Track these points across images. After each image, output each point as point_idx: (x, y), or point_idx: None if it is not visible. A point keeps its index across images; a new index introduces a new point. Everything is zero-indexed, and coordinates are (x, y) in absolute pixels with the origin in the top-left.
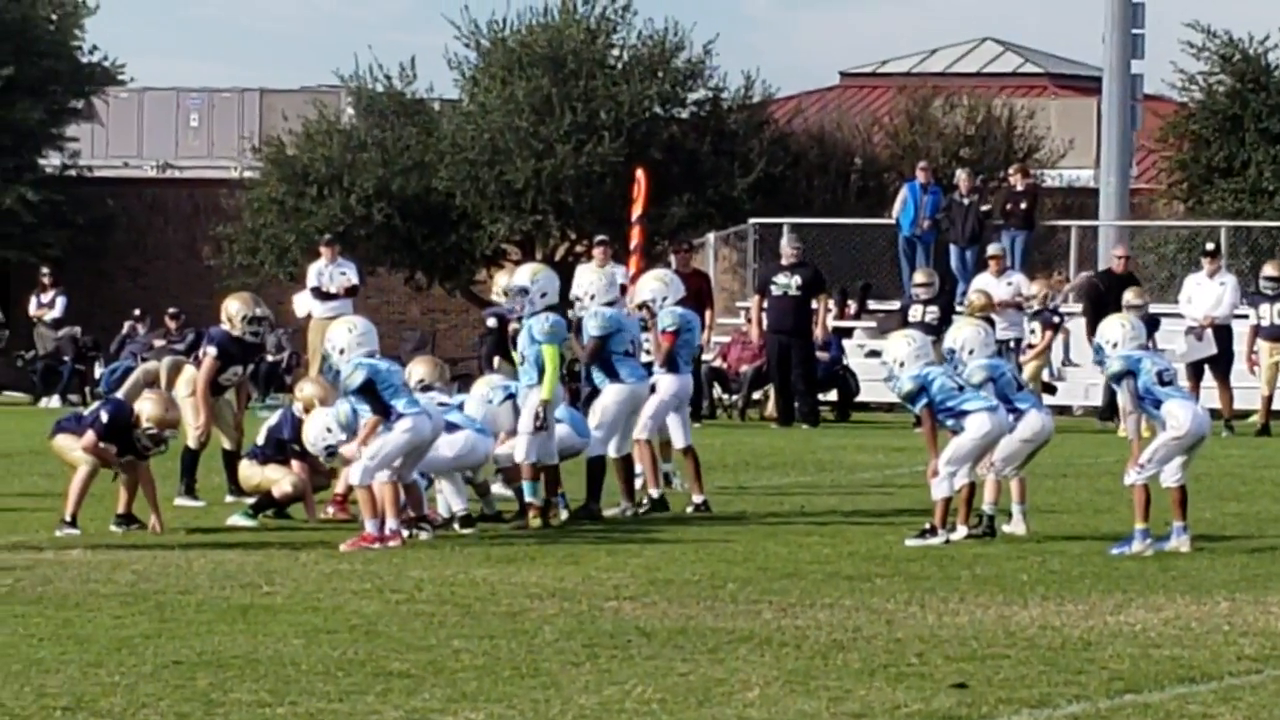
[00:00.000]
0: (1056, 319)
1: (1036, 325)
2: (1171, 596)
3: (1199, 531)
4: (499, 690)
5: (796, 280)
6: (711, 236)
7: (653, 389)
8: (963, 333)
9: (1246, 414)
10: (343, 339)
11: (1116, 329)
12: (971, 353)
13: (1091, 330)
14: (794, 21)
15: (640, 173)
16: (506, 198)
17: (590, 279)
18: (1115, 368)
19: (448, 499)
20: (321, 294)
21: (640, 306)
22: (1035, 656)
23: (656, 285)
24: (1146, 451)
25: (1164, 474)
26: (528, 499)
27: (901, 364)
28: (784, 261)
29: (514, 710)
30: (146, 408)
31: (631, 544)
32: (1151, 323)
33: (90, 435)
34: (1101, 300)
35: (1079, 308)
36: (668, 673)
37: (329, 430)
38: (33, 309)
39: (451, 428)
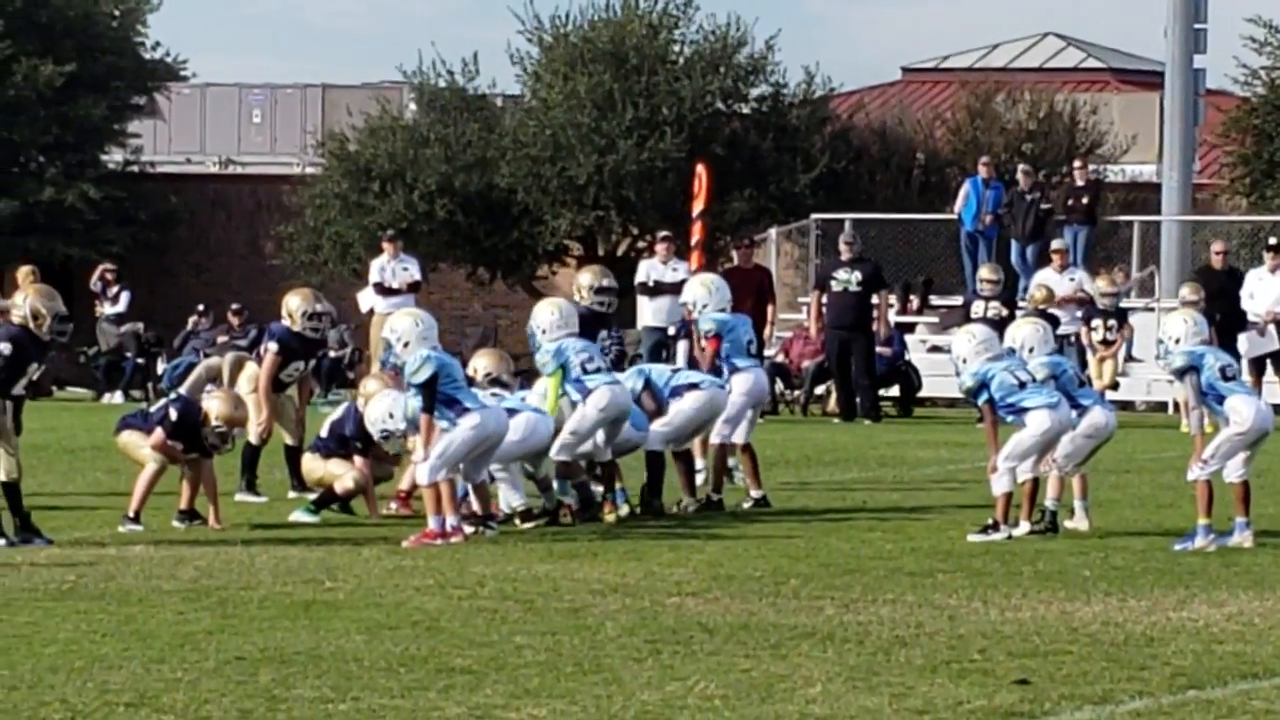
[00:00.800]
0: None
1: (1110, 321)
2: (1234, 592)
3: (1261, 527)
4: (561, 686)
5: (857, 276)
6: (773, 232)
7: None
8: (1021, 331)
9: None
10: (409, 330)
11: (1179, 324)
12: (1031, 350)
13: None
14: (855, 17)
15: (701, 168)
16: (568, 193)
17: (696, 290)
18: (1178, 363)
19: (505, 495)
20: (384, 290)
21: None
22: (1098, 652)
23: (700, 290)
24: (1209, 447)
25: (1227, 469)
26: (558, 497)
27: (964, 360)
28: (843, 257)
29: (576, 706)
30: (215, 405)
31: (694, 540)
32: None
33: (159, 433)
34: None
35: (1141, 303)
36: (730, 669)
37: (390, 415)
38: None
39: (510, 412)
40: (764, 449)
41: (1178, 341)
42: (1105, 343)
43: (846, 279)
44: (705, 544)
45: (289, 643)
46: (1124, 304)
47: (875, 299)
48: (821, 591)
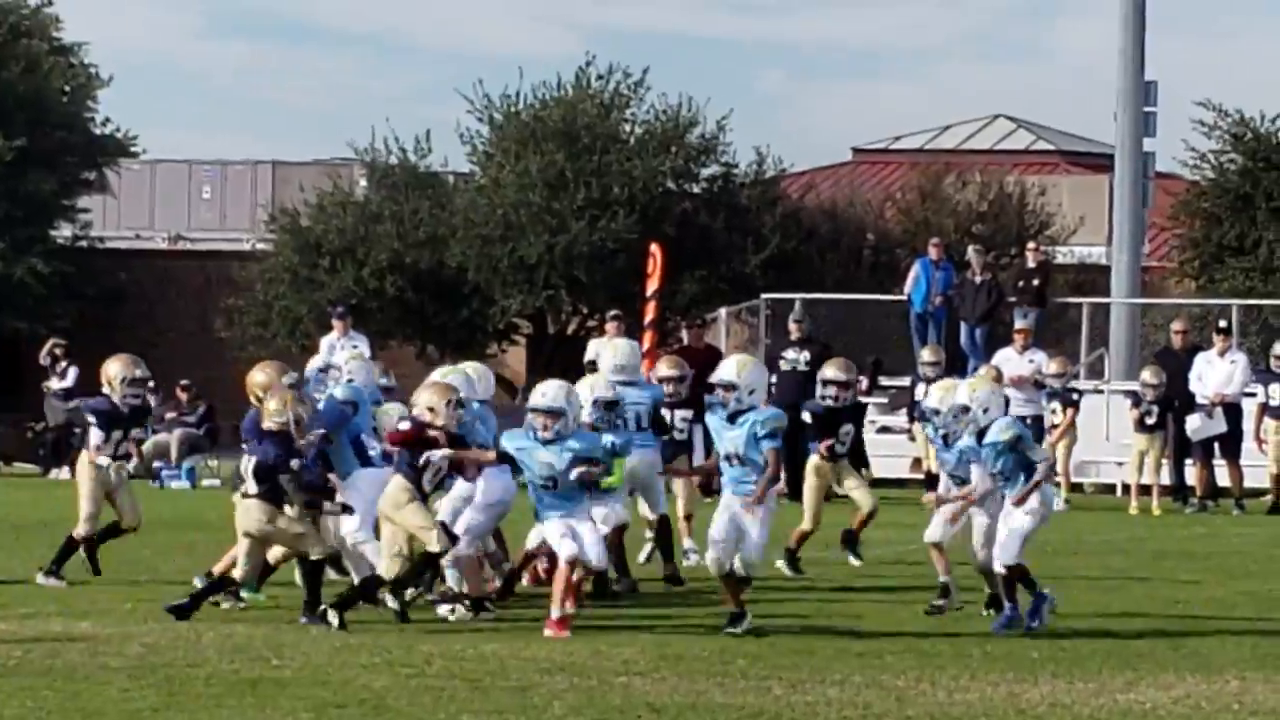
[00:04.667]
0: (1075, 397)
1: (1057, 405)
2: (1182, 675)
3: (1209, 611)
4: None
5: (805, 355)
6: (723, 312)
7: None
8: (979, 392)
9: (1258, 493)
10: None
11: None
12: (986, 412)
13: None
14: (807, 98)
15: (656, 247)
16: (519, 273)
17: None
18: (1011, 433)
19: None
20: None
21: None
22: None
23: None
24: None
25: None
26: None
27: (986, 410)
28: (792, 336)
29: None
30: None
31: (642, 618)
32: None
33: None
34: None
35: (1090, 385)
36: None
37: None
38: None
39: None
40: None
41: (986, 410)
42: (1054, 426)
43: (795, 359)
44: (653, 623)
45: None
46: (1073, 385)
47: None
48: (769, 671)
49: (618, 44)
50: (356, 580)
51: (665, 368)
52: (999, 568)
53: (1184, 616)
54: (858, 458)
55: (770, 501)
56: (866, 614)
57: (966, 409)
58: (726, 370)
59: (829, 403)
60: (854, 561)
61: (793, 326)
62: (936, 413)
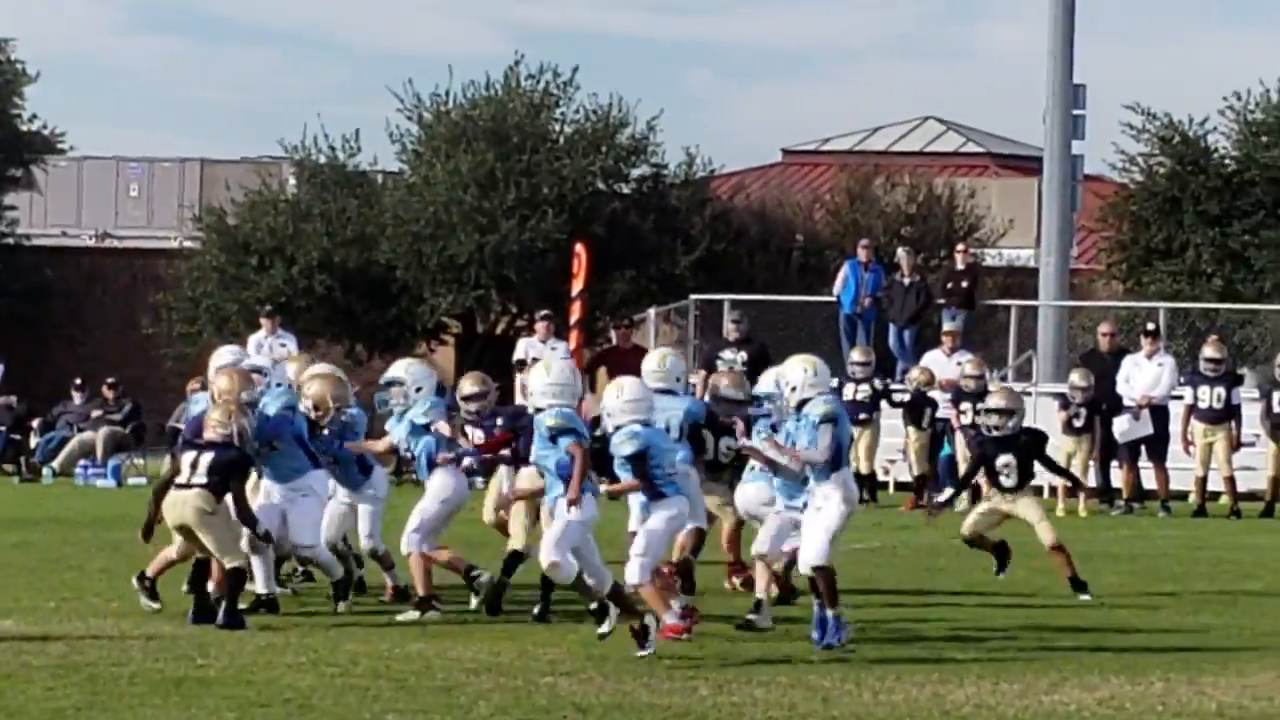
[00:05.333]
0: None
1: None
2: (1106, 677)
3: (1134, 613)
4: None
5: (743, 356)
6: (652, 312)
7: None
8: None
9: (1183, 495)
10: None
11: (799, 372)
12: (794, 390)
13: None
14: (736, 99)
15: (580, 248)
16: (449, 271)
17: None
18: (823, 409)
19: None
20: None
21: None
22: None
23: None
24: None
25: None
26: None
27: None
28: (730, 337)
29: None
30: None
31: (568, 619)
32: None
33: None
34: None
35: (1018, 387)
36: None
37: None
38: None
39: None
40: None
41: (794, 389)
42: (973, 426)
43: (732, 359)
44: (579, 624)
45: None
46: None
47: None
48: (695, 672)
49: (547, 43)
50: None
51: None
52: (805, 570)
53: (1109, 618)
54: None
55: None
56: (793, 615)
57: (773, 394)
58: (763, 384)
59: None
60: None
61: (730, 326)
62: (760, 400)
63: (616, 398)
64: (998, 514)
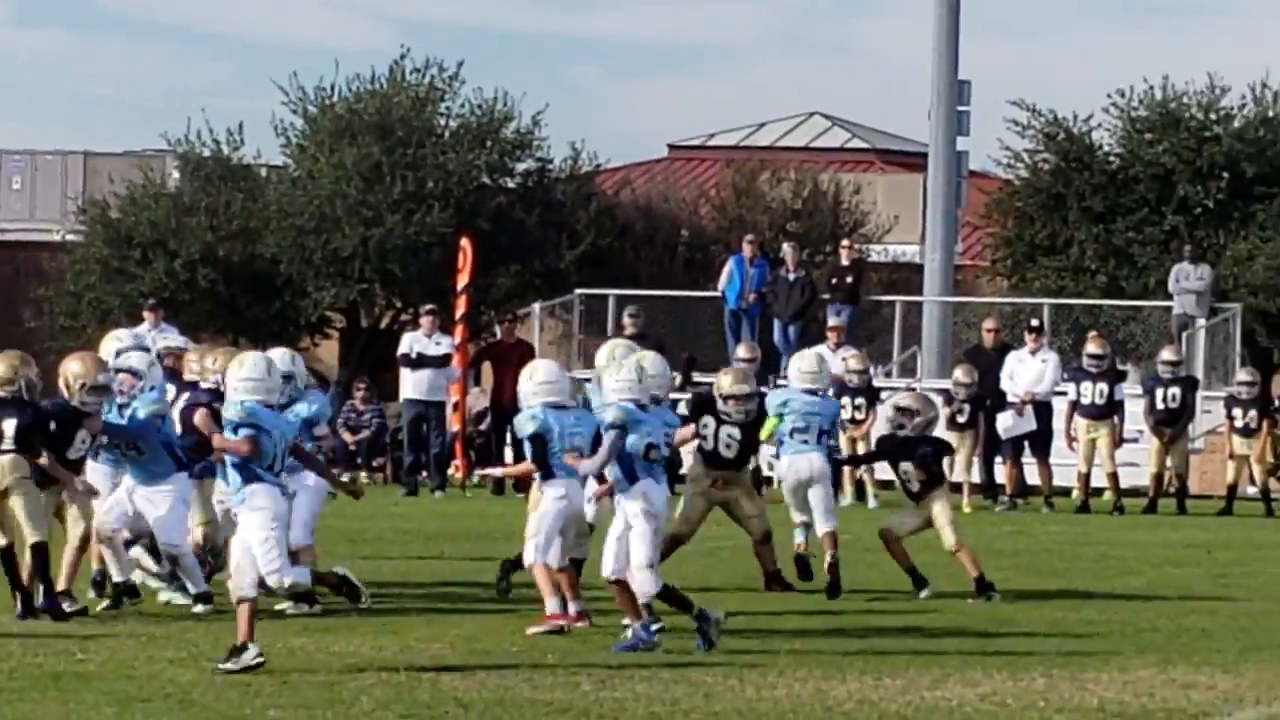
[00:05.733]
0: (879, 393)
1: (862, 400)
2: (988, 672)
3: (1016, 608)
4: None
5: None
6: (537, 307)
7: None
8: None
9: (1066, 491)
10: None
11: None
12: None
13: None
14: (622, 93)
15: (466, 242)
16: (333, 265)
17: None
18: (609, 417)
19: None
20: None
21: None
22: None
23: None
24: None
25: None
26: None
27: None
28: (627, 332)
29: None
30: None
31: (452, 614)
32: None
33: None
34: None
35: (902, 383)
36: None
37: None
38: None
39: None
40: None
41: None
42: (855, 421)
43: None
44: (463, 618)
45: (38, 714)
46: (879, 383)
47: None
48: (578, 668)
49: (433, 38)
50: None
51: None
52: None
53: (992, 614)
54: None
55: None
56: (675, 610)
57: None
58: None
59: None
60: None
61: (628, 321)
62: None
63: (529, 380)
64: (920, 516)
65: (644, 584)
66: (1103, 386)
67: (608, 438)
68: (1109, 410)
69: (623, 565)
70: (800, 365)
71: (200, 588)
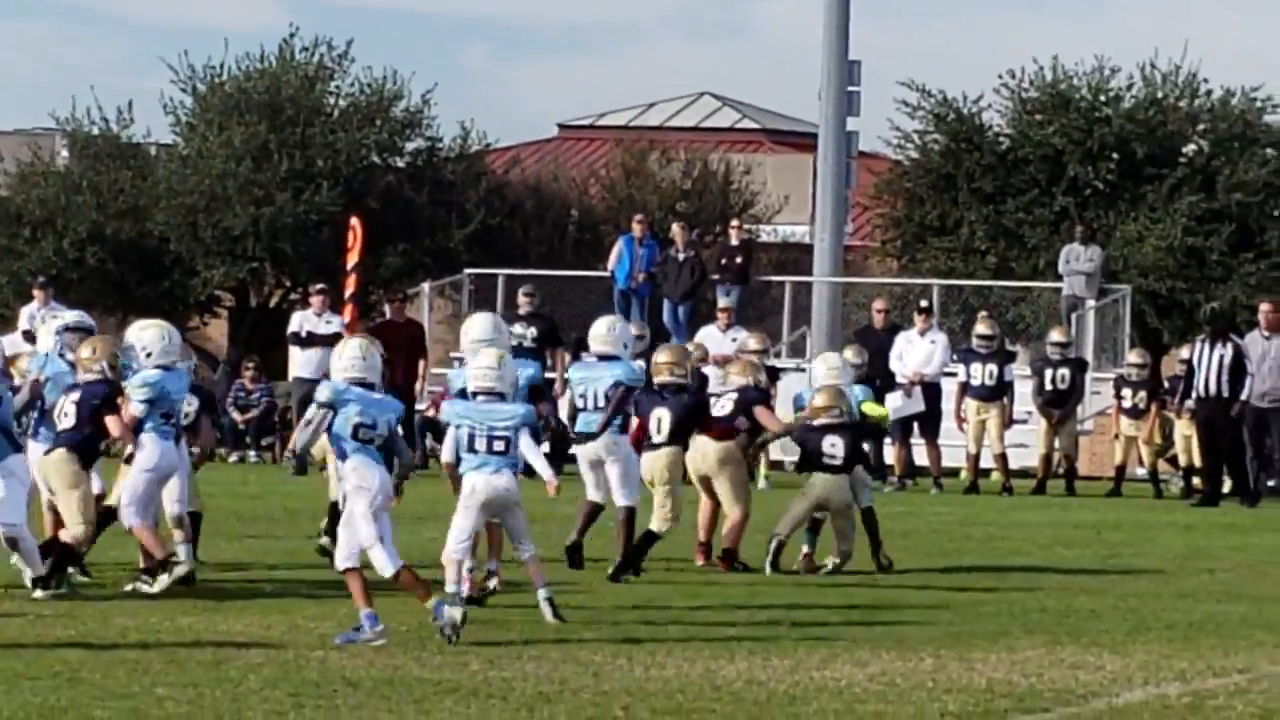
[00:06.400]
0: (776, 372)
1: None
2: (877, 652)
3: (905, 589)
4: None
5: (533, 331)
6: (426, 286)
7: None
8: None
9: (955, 472)
10: (154, 342)
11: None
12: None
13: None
14: (512, 73)
15: (355, 221)
16: (223, 244)
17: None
18: (322, 396)
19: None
20: (32, 337)
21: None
22: (741, 711)
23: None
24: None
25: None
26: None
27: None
28: (521, 311)
29: None
30: None
31: (340, 593)
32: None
33: None
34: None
35: (792, 363)
36: None
37: None
38: None
39: None
40: (418, 505)
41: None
42: None
43: (522, 334)
44: (350, 597)
45: None
46: (773, 363)
47: (549, 356)
48: (466, 647)
49: (322, 16)
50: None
51: None
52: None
53: (880, 594)
54: None
55: None
56: (564, 589)
57: None
58: None
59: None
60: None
61: (523, 300)
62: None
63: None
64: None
65: (379, 563)
66: (992, 368)
67: (316, 414)
68: (999, 391)
69: (354, 553)
70: (595, 330)
71: (38, 571)
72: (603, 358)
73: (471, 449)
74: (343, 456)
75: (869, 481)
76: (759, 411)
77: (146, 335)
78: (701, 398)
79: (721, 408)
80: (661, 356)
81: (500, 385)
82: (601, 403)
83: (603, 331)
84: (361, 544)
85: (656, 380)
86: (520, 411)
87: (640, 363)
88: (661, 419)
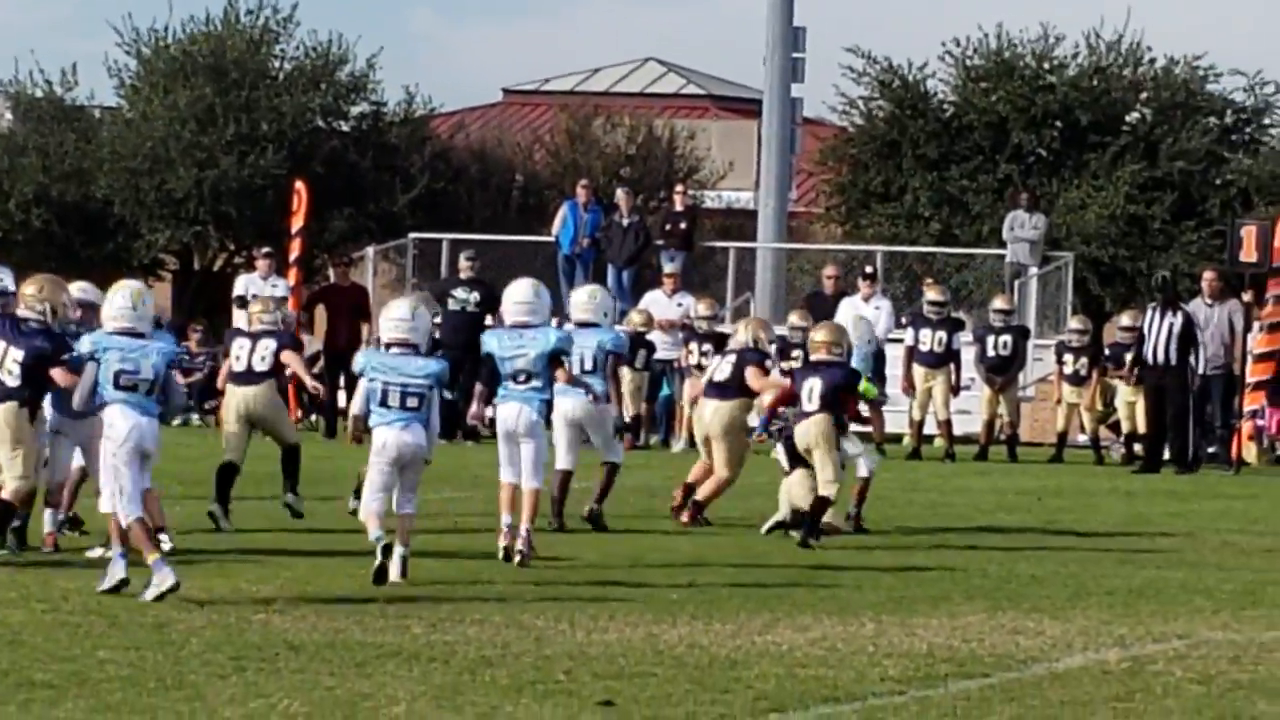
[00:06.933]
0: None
1: (709, 346)
2: (818, 617)
3: (846, 555)
4: (143, 702)
5: (475, 296)
6: (370, 250)
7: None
8: None
9: (898, 438)
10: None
11: None
12: None
13: None
14: (458, 37)
15: (300, 185)
16: (167, 207)
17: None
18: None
19: None
20: None
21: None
22: (682, 675)
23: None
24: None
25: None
26: None
27: None
28: (463, 275)
29: None
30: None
31: (282, 556)
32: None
33: None
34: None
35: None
36: (314, 686)
37: None
38: None
39: None
40: (354, 466)
41: None
42: (700, 367)
43: (465, 298)
44: (293, 560)
45: None
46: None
47: (490, 320)
48: (409, 610)
49: None
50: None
51: None
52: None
53: (822, 559)
54: None
55: None
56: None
57: None
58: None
59: None
60: None
61: (464, 264)
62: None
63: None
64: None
65: (112, 506)
66: (941, 334)
67: (88, 369)
68: (946, 358)
69: (133, 500)
70: (576, 298)
71: None
72: (583, 325)
73: (384, 404)
74: (103, 405)
75: (858, 448)
76: (749, 372)
77: (116, 297)
78: (852, 371)
79: (721, 371)
80: (819, 335)
81: (414, 336)
82: (589, 366)
83: (584, 300)
84: (106, 491)
85: (814, 357)
86: (434, 368)
87: (623, 328)
88: (813, 388)
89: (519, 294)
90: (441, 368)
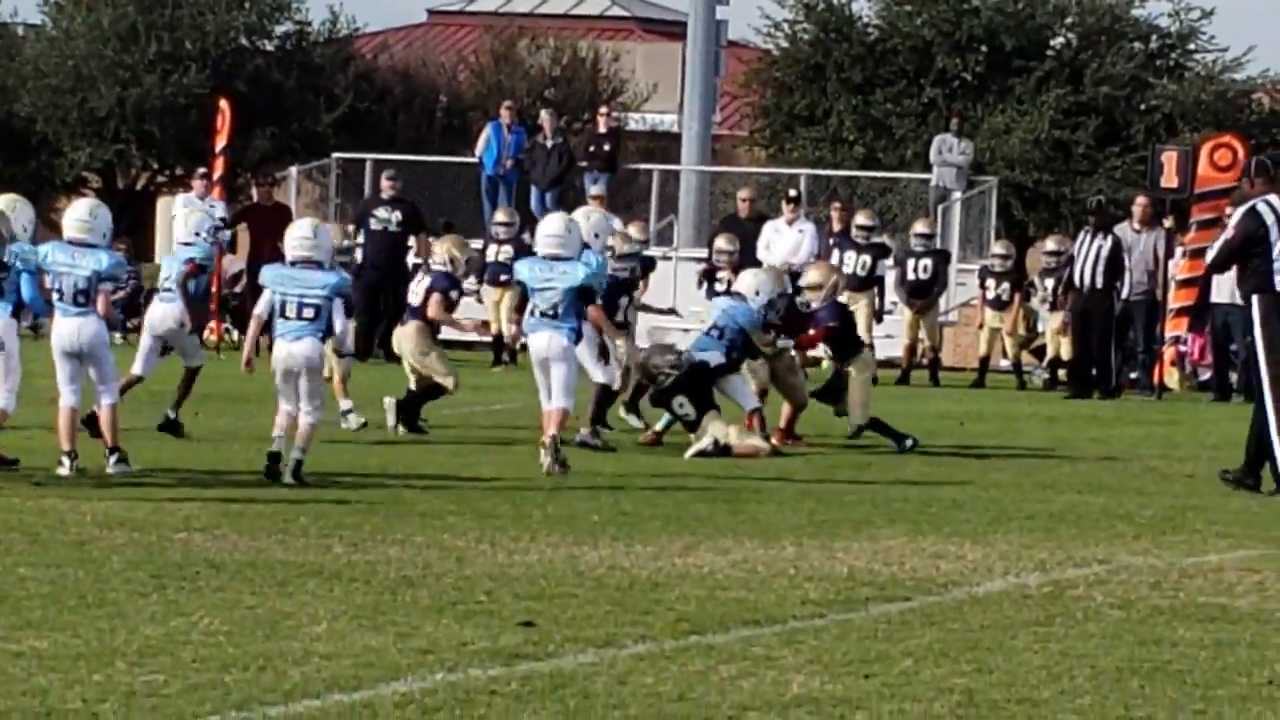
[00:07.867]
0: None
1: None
2: (739, 540)
3: (768, 477)
4: (64, 619)
5: (397, 215)
6: (294, 170)
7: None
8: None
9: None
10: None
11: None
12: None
13: None
14: None
15: (224, 104)
16: (89, 126)
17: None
18: None
19: None
20: None
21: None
22: (603, 596)
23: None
24: None
25: None
26: None
27: None
28: (384, 195)
29: (79, 639)
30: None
31: (204, 476)
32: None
33: None
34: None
35: (659, 252)
36: (235, 605)
37: None
38: None
39: None
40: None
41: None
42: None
43: (387, 218)
44: (215, 479)
45: None
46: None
47: (412, 240)
48: (330, 530)
49: None
50: None
51: None
52: None
53: (744, 483)
54: None
55: None
56: (427, 474)
57: None
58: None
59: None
60: None
61: (386, 184)
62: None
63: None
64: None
65: None
66: (866, 259)
67: None
68: (869, 282)
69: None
70: (547, 229)
71: None
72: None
73: (283, 314)
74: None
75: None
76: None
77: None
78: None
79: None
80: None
81: (317, 254)
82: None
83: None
84: None
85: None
86: (332, 281)
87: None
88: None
89: (551, 227)
90: (340, 280)
